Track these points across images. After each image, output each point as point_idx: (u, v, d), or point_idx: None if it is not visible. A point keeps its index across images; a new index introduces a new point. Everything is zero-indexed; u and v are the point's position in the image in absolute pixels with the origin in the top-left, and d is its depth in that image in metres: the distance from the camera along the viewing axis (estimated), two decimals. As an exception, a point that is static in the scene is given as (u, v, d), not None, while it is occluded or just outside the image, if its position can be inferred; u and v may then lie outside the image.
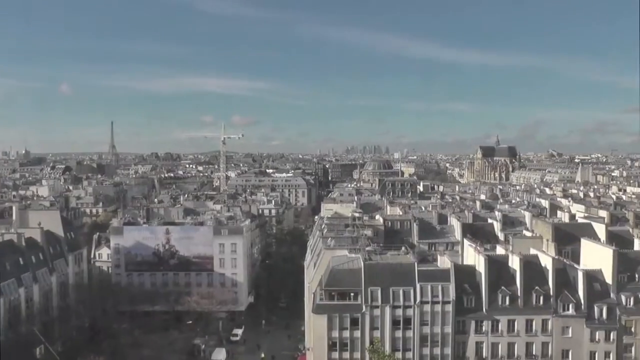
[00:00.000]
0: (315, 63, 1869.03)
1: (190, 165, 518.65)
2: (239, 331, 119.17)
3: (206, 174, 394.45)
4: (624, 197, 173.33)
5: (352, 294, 77.50)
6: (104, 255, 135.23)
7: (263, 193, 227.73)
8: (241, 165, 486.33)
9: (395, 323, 77.35)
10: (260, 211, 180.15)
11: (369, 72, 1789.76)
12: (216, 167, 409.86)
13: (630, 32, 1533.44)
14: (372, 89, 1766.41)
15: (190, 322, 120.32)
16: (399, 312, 77.23)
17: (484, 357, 78.21)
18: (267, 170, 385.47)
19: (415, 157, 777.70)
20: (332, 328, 76.97)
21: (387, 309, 77.00)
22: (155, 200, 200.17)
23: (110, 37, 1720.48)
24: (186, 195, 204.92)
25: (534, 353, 78.19)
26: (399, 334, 77.52)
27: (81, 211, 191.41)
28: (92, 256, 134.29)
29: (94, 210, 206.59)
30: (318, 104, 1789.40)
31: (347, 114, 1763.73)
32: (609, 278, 79.14)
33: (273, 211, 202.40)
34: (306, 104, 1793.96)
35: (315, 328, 78.87)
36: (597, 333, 77.84)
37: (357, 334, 76.93)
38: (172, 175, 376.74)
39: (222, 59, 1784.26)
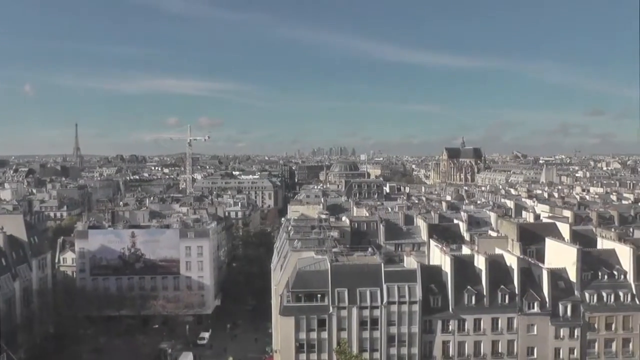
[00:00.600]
0: (282, 65, 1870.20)
1: (156, 168, 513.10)
2: (206, 334, 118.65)
3: (172, 176, 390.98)
4: (587, 197, 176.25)
5: (319, 296, 77.48)
6: (68, 260, 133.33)
7: (229, 195, 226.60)
8: (207, 167, 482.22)
9: (362, 324, 77.51)
10: (226, 213, 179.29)
11: (335, 74, 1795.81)
12: (182, 169, 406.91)
13: (595, 36, 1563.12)
14: (339, 91, 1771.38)
15: (157, 326, 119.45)
16: (366, 312, 77.40)
17: (450, 356, 78.85)
18: (234, 172, 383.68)
19: (381, 159, 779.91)
20: (299, 330, 76.89)
21: (354, 310, 77.13)
22: (121, 203, 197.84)
23: (75, 38, 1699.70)
24: (152, 198, 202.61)
25: (499, 351, 79.11)
26: (366, 334, 77.70)
27: (45, 215, 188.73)
28: (56, 261, 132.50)
29: (58, 214, 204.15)
30: (285, 106, 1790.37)
31: (313, 116, 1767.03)
32: (573, 276, 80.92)
33: (239, 213, 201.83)
34: (273, 106, 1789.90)
35: (282, 330, 78.74)
36: (561, 330, 79.49)
37: (325, 335, 76.93)
38: (137, 177, 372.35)
39: (189, 60, 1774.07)
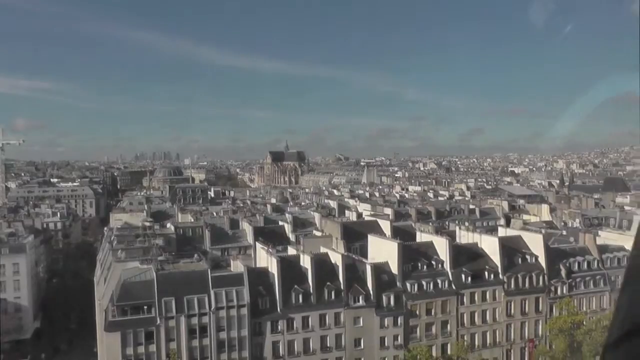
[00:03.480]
0: (104, 64, 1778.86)
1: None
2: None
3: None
4: (406, 195, 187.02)
5: (145, 307, 75.33)
6: None
7: (47, 205, 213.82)
8: (23, 174, 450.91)
9: (191, 332, 76.40)
10: (44, 225, 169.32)
11: (160, 76, 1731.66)
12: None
13: (412, 47, 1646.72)
14: (163, 93, 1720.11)
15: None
16: (195, 320, 76.44)
17: (281, 355, 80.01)
18: (52, 180, 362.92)
19: (205, 163, 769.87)
20: (126, 345, 73.93)
21: (182, 319, 75.80)
22: None
23: None
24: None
25: (328, 345, 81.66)
26: (195, 342, 76.64)
27: None
28: None
29: None
30: (106, 108, 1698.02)
31: (136, 119, 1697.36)
32: (395, 269, 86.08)
33: (59, 224, 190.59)
34: (94, 107, 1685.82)
35: (108, 347, 75.60)
36: (386, 320, 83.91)
37: (153, 348, 74.73)
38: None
39: (1, 54, 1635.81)
